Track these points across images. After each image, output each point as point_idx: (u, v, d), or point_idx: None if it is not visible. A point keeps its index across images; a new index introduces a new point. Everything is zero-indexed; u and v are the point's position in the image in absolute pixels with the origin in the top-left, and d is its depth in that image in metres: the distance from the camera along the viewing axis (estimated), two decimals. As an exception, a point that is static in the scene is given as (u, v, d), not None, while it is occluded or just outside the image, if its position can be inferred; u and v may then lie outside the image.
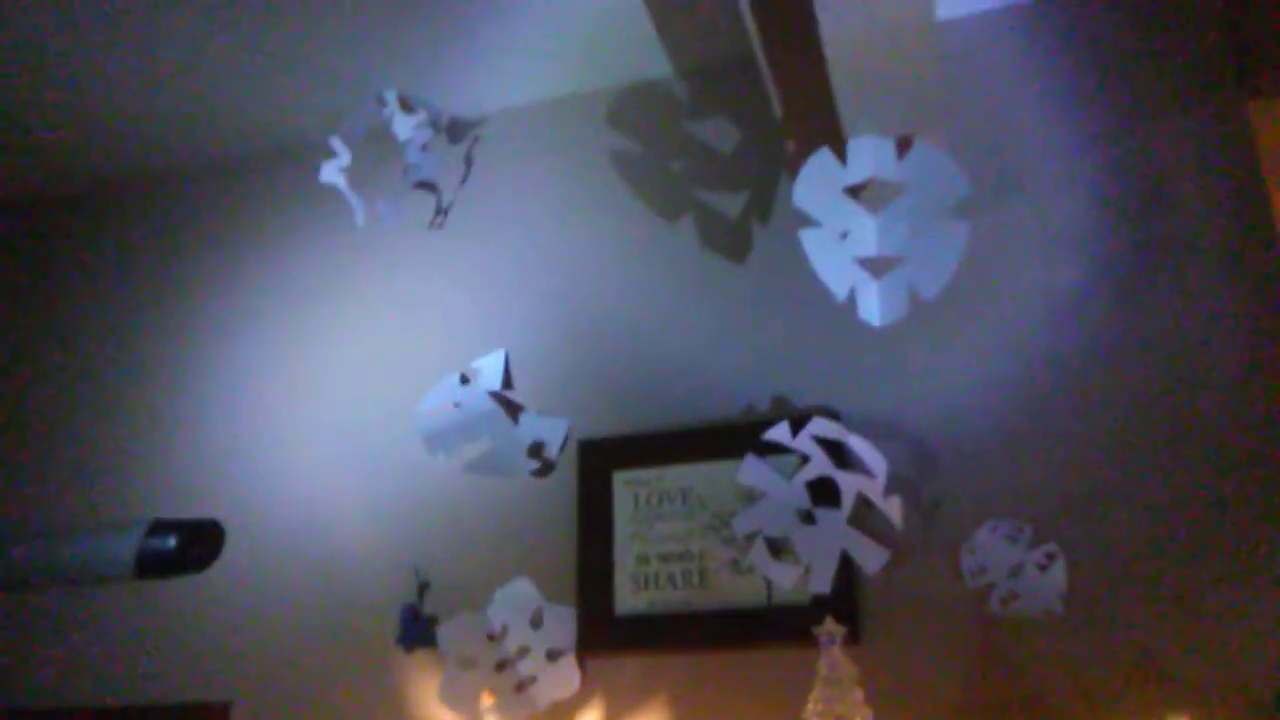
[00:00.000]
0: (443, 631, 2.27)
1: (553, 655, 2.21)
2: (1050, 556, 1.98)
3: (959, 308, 2.04)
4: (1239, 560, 1.89)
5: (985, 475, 2.08)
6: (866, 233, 1.71)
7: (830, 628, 1.80)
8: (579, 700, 2.18)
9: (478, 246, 2.63)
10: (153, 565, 2.09)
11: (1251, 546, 1.89)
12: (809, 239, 1.75)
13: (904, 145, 1.74)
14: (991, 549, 2.01)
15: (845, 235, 1.73)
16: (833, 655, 1.78)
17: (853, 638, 1.89)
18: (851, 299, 1.72)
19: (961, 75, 2.27)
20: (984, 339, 2.17)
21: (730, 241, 2.44)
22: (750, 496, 2.08)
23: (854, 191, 1.77)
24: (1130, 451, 2.01)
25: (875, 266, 1.72)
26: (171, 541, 2.49)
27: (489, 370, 2.19)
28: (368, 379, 2.61)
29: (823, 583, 1.90)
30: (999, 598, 1.98)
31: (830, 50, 1.83)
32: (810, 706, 1.76)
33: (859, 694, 1.75)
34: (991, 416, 2.11)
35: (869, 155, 1.75)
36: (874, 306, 1.71)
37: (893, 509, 1.93)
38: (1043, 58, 2.31)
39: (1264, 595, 1.86)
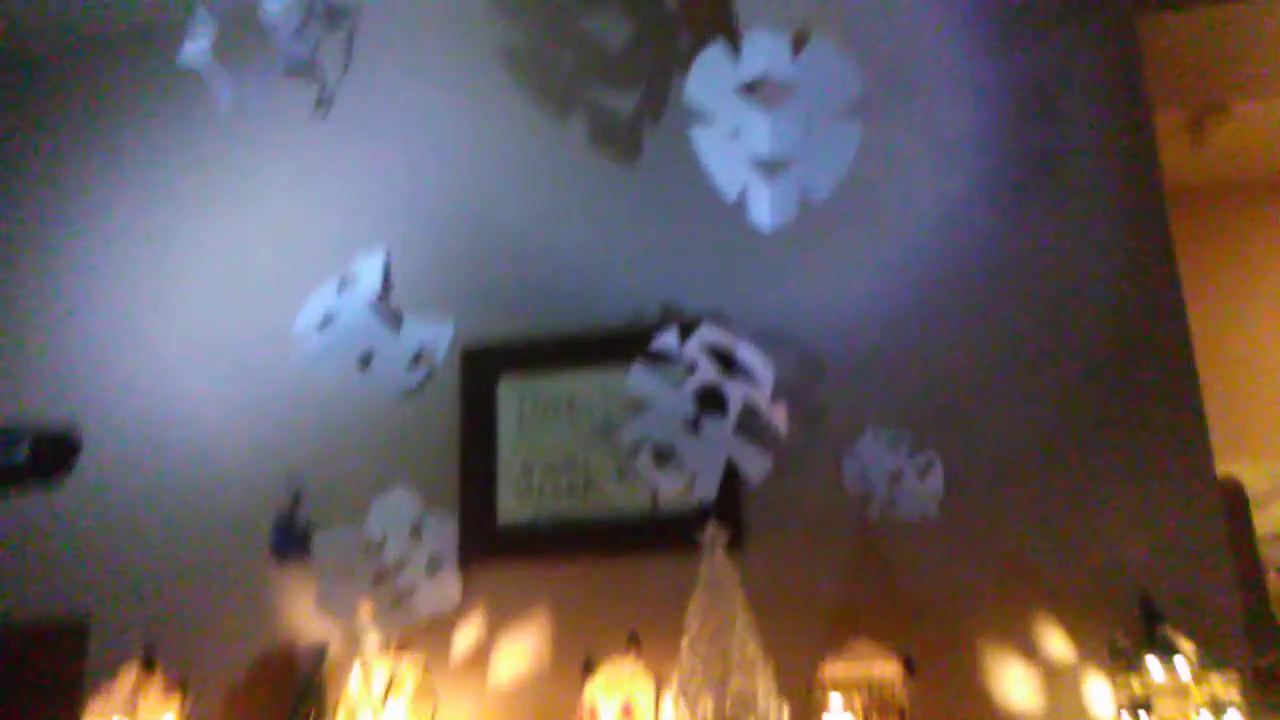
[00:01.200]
0: (318, 542, 2.20)
1: (433, 565, 2.17)
2: (928, 463, 2.01)
3: (848, 213, 2.03)
4: (1110, 468, 1.95)
5: (868, 383, 2.10)
6: (759, 132, 1.68)
7: (713, 533, 1.81)
8: (460, 611, 2.14)
9: (354, 139, 2.49)
10: (2, 476, 1.97)
11: (1122, 455, 1.96)
12: (701, 138, 1.71)
13: (799, 42, 1.70)
14: (872, 456, 2.04)
15: (737, 134, 1.69)
16: (715, 560, 1.79)
17: (736, 543, 1.90)
18: (742, 201, 1.69)
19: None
20: (872, 246, 2.17)
21: (620, 140, 2.37)
22: (637, 404, 2.06)
23: (748, 89, 1.72)
24: (1008, 360, 2.05)
25: (766, 168, 1.68)
26: (22, 450, 2.36)
27: (368, 272, 2.11)
28: (236, 276, 2.49)
29: (707, 490, 1.90)
30: (878, 503, 2.01)
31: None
32: (692, 611, 1.76)
33: (740, 597, 1.76)
34: (877, 324, 2.12)
35: (763, 52, 1.70)
36: (764, 209, 1.68)
37: (777, 417, 1.93)
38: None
39: (1132, 501, 1.93)
